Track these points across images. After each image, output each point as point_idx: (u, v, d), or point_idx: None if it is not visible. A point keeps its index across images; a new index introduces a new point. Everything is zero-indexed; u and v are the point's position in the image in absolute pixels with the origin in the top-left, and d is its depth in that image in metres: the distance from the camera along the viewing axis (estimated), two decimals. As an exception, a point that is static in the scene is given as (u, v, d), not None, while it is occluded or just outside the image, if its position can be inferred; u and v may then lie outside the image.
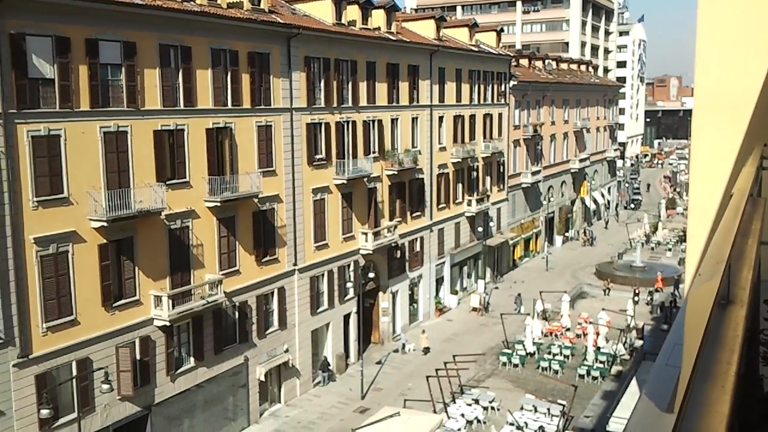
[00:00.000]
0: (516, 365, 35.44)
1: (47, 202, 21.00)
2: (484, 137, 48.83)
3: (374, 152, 36.77)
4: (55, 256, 21.23)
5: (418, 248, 41.93)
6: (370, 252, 35.96)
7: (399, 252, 39.50)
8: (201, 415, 27.21)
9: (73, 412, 21.88)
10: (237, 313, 28.47)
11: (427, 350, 37.92)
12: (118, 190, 22.54)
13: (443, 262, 45.18)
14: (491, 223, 50.08)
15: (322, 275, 33.48)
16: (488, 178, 50.34)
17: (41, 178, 20.98)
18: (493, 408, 30.26)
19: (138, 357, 24.42)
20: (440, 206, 44.21)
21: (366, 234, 35.79)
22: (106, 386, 20.03)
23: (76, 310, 21.99)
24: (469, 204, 47.19)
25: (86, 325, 22.30)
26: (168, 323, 24.73)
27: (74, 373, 21.78)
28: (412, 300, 42.24)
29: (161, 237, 24.79)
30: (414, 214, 41.26)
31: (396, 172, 38.20)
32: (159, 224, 24.69)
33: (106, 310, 23.03)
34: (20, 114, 20.45)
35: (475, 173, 48.11)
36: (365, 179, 36.00)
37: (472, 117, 47.26)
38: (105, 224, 21.99)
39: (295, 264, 31.08)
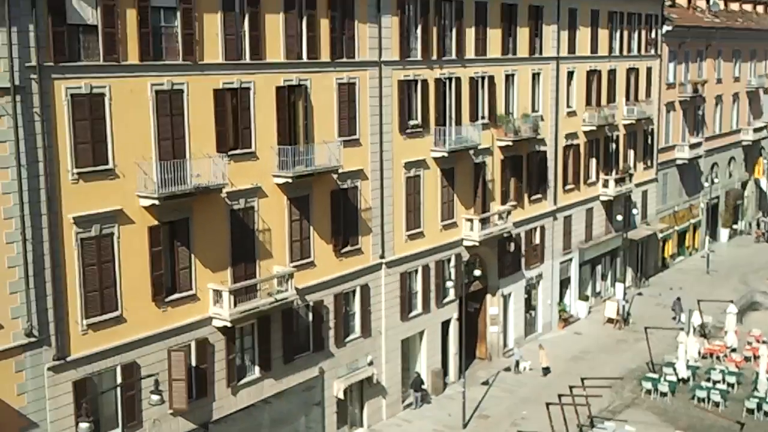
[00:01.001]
0: (664, 394, 34.61)
1: (89, 175, 21.43)
2: (627, 99, 47.09)
3: (483, 118, 36.15)
4: (98, 239, 21.72)
5: (537, 240, 41.21)
6: (476, 244, 35.57)
7: (513, 245, 38.95)
8: None
9: (116, 427, 22.52)
10: (311, 315, 28.82)
11: (547, 370, 37.53)
12: (171, 161, 22.80)
13: (570, 260, 44.21)
14: (634, 211, 48.32)
15: (416, 271, 33.41)
16: (631, 152, 48.60)
17: (82, 146, 21.42)
18: None
19: (194, 363, 24.86)
20: (567, 187, 43.11)
21: (471, 221, 35.44)
22: (156, 397, 20.39)
23: (121, 304, 22.48)
24: (606, 185, 45.83)
25: (133, 324, 22.82)
26: (229, 324, 25.04)
27: (119, 380, 22.38)
28: (529, 306, 41.67)
29: (222, 219, 25.01)
30: (533, 197, 40.39)
31: (511, 143, 37.40)
32: (219, 204, 24.92)
33: (156, 306, 23.54)
34: (57, 68, 20.81)
35: (614, 145, 46.58)
36: (471, 152, 35.42)
37: (612, 73, 45.60)
38: (156, 202, 22.35)
39: (382, 257, 31.14)
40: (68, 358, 21.39)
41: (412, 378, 33.82)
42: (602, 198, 45.89)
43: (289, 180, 26.36)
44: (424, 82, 32.70)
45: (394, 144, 31.51)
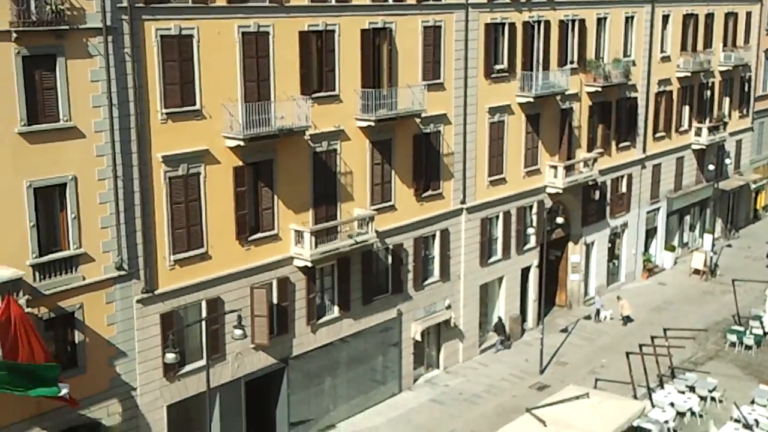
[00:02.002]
0: (749, 347, 33.43)
1: (177, 115, 21.58)
2: (725, 45, 44.53)
3: (572, 62, 34.84)
4: (186, 178, 21.92)
5: (624, 189, 39.93)
6: (560, 191, 34.67)
7: (598, 193, 37.79)
8: (345, 375, 28.03)
9: (200, 359, 22.94)
10: (390, 258, 28.76)
11: (628, 320, 36.59)
12: (256, 103, 22.73)
13: (657, 209, 42.71)
14: (727, 161, 46.09)
15: (497, 217, 32.96)
16: (726, 100, 46.17)
17: (171, 86, 21.57)
18: (713, 399, 28.79)
19: (275, 301, 25.13)
20: (658, 135, 41.34)
21: (556, 168, 34.48)
22: (238, 332, 20.47)
23: (207, 242, 22.75)
24: (698, 134, 43.80)
25: (218, 261, 23.09)
26: (310, 264, 25.12)
27: (204, 314, 22.74)
28: (612, 255, 40.59)
29: (304, 161, 25.00)
30: (621, 145, 38.87)
31: (600, 89, 35.87)
32: (302, 146, 24.86)
33: (240, 245, 23.75)
34: (148, 9, 20.98)
35: (708, 92, 44.33)
36: (558, 97, 34.22)
37: (709, 17, 42.93)
38: (242, 143, 22.39)
39: (463, 202, 30.83)
40: (156, 292, 21.79)
41: (493, 322, 33.67)
42: (694, 147, 44.06)
43: (372, 123, 26.04)
44: (512, 25, 31.54)
45: (479, 89, 30.68)
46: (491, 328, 33.67)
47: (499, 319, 33.55)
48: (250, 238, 23.74)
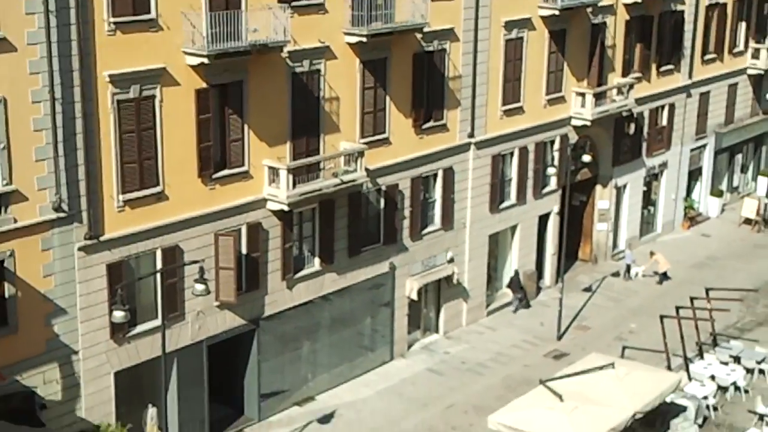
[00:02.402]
0: None
1: (128, 25, 21.11)
2: None
3: None
4: (138, 102, 21.68)
5: (664, 122, 40.07)
6: (588, 123, 34.79)
7: (633, 126, 37.91)
8: (326, 339, 28.37)
9: (155, 318, 23.10)
10: (383, 202, 28.83)
11: (664, 277, 37.16)
12: (224, 12, 22.27)
13: (703, 146, 43.06)
14: None
15: (511, 154, 33.11)
16: None
17: (120, -10, 21.46)
18: (762, 372, 29.28)
19: (244, 251, 25.23)
20: (707, 58, 41.38)
21: (583, 96, 34.54)
22: (200, 287, 20.25)
23: (163, 179, 22.64)
24: (756, 56, 43.83)
25: (177, 202, 23.02)
26: (286, 208, 25.19)
27: (159, 265, 22.74)
28: (648, 201, 41.08)
29: (281, 84, 24.73)
30: (662, 69, 38.90)
31: (640, 1, 35.75)
32: (279, 65, 24.54)
33: (203, 183, 23.64)
34: None
35: None
36: (589, 10, 34.08)
37: None
38: (205, 61, 22.07)
39: (471, 135, 30.86)
40: (102, 238, 21.70)
41: (509, 277, 34.08)
42: (750, 71, 44.08)
43: (364, 39, 25.72)
44: None
45: (493, -2, 30.52)
46: (506, 285, 34.09)
47: (516, 273, 33.91)
48: (215, 176, 23.74)
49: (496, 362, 30.60)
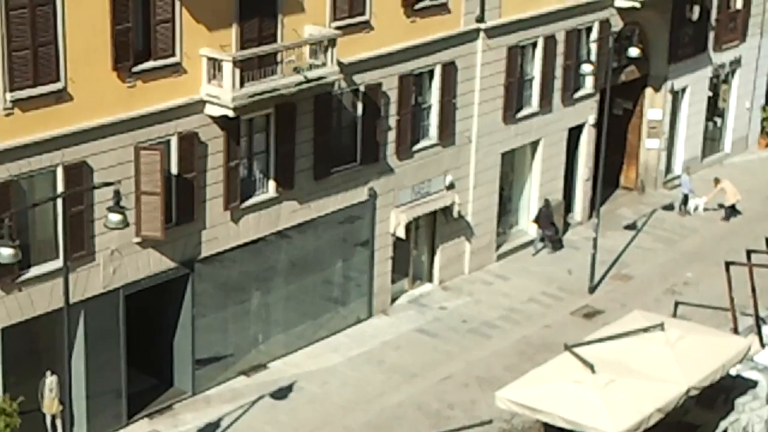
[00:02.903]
0: None
1: None
2: None
3: None
4: (30, -34, 21.51)
5: (738, 4, 39.69)
6: (637, 5, 34.50)
7: (698, 9, 37.36)
8: (283, 289, 28.22)
9: (55, 257, 22.90)
10: (361, 108, 28.55)
11: (732, 212, 37.19)
12: None
13: None
14: None
15: (533, 46, 32.94)
16: None
17: None
18: None
19: (175, 171, 24.86)
20: None
21: None
22: (116, 217, 20.01)
23: (65, 73, 22.23)
24: None
25: (84, 103, 22.60)
26: (231, 113, 24.76)
27: (60, 188, 22.50)
28: (714, 110, 41.00)
29: (224, -56, 24.67)
30: None
31: None
32: None
33: (120, 79, 23.22)
34: None
35: None
36: None
37: None
38: None
39: (480, 19, 30.70)
40: (-19, 150, 21.41)
41: (537, 209, 34.18)
42: None
43: None
44: None
45: None
46: (532, 219, 34.27)
47: (546, 204, 33.97)
48: (135, 69, 23.33)
49: (507, 321, 30.60)
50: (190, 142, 24.79)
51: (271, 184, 26.99)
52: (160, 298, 25.60)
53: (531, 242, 34.25)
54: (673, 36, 36.95)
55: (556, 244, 34.28)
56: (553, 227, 34.03)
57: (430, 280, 32.24)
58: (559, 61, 33.43)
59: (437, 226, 31.65)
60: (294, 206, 27.53)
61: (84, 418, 24.06)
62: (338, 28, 26.74)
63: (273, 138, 26.65)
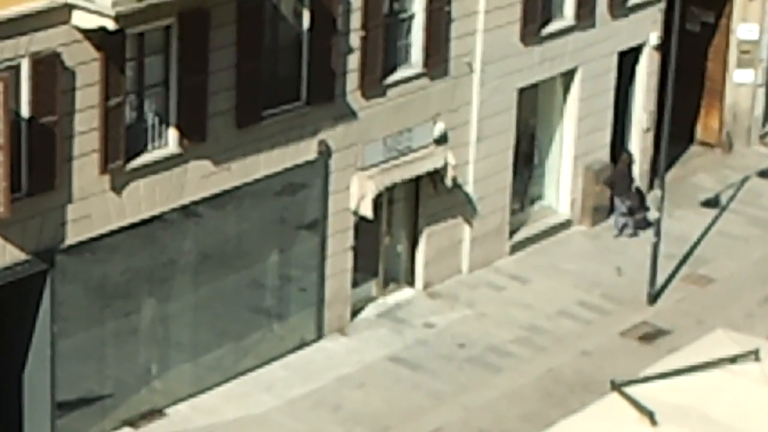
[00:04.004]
0: None
1: None
2: None
3: None
4: None
5: None
6: None
7: None
8: (189, 296, 28.58)
9: None
10: (307, 19, 28.98)
11: None
12: None
13: None
14: None
15: None
16: None
17: None
18: None
19: (26, 113, 25.07)
20: None
21: None
22: None
23: None
24: None
25: None
26: (112, 23, 24.73)
27: None
28: None
29: None
30: None
31: None
32: None
33: None
34: None
35: None
36: None
37: None
38: None
39: None
40: None
41: (611, 169, 34.84)
42: None
43: None
44: None
45: None
46: (603, 180, 35.03)
47: (626, 155, 35.02)
48: None
49: (526, 346, 31.08)
50: (49, 69, 24.97)
51: (172, 135, 27.29)
52: (2, 307, 25.77)
53: (564, 224, 35.06)
54: None
55: (641, 222, 35.04)
56: (638, 195, 34.95)
57: (411, 282, 32.99)
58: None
59: (422, 201, 32.43)
60: (206, 168, 27.91)
61: None
62: None
63: (175, 63, 26.91)
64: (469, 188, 32.84)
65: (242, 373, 29.57)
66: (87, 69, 25.65)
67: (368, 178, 30.59)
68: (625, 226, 34.53)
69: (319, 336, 30.97)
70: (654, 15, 35.60)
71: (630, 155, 34.79)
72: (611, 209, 35.13)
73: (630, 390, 22.89)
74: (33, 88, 25.02)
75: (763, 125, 39.66)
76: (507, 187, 33.79)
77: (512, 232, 34.25)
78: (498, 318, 32.08)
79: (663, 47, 34.93)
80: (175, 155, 27.48)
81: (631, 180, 34.57)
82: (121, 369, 27.72)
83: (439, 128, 31.65)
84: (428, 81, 31.47)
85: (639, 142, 36.70)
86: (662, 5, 35.40)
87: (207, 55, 27.36)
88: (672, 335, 31.12)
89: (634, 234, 34.84)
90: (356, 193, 30.53)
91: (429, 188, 32.10)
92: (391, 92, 30.90)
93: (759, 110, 39.24)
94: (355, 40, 29.84)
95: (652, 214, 34.31)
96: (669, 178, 34.34)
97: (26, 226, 25.36)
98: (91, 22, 24.94)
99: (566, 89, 34.69)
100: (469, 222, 33.08)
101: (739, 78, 38.52)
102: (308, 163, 29.92)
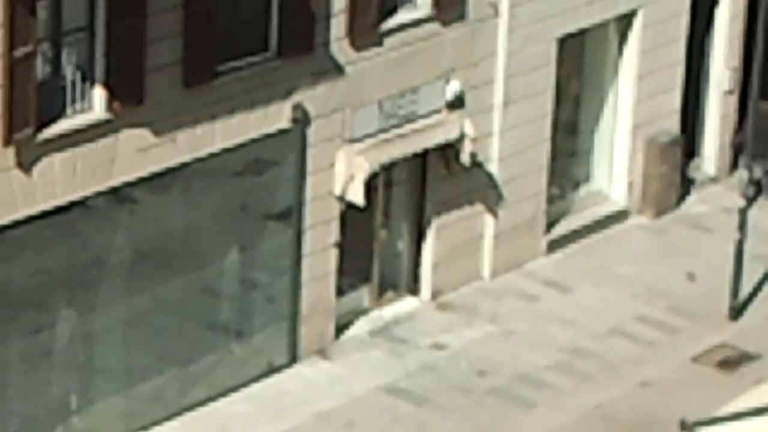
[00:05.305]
0: None
1: None
2: None
3: None
4: None
5: None
6: None
7: None
8: (120, 306, 28.46)
9: None
10: None
11: None
12: None
13: None
14: None
15: None
16: None
17: None
18: None
19: None
20: None
21: None
22: None
23: None
24: None
25: None
26: None
27: None
28: None
29: None
30: None
31: None
32: None
33: None
34: None
35: None
36: None
37: None
38: None
39: None
40: None
41: (662, 137, 35.15)
42: None
43: None
44: None
45: None
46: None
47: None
48: None
49: (567, 374, 31.28)
50: None
51: (99, 96, 27.29)
52: None
53: (619, 215, 35.16)
54: None
55: None
56: None
57: (415, 291, 33.18)
58: None
59: (430, 184, 32.61)
60: (144, 140, 27.92)
61: None
62: None
63: (103, 1, 26.94)
64: (493, 167, 33.03)
65: (190, 408, 29.64)
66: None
67: (359, 153, 30.68)
68: (757, 195, 33.91)
69: (293, 360, 31.07)
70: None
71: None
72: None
73: (707, 431, 23.03)
74: None
75: None
76: (543, 167, 33.97)
77: (550, 225, 34.51)
78: (530, 337, 32.18)
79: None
80: (102, 122, 27.42)
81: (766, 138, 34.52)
82: (29, 402, 27.71)
83: (453, 88, 31.78)
84: (439, 26, 31.61)
85: (719, 108, 36.79)
86: None
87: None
88: (760, 361, 31.29)
89: None
90: (343, 172, 30.62)
91: (440, 167, 32.26)
92: (389, 41, 31.06)
93: None
94: (338, -31, 29.88)
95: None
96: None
97: None
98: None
99: (623, 38, 34.94)
100: (492, 212, 33.26)
101: None
102: (279, 133, 30.00)
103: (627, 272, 33.78)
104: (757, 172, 33.85)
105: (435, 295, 32.79)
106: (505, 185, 33.02)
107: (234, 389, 30.11)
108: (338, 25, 30.04)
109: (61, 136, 26.91)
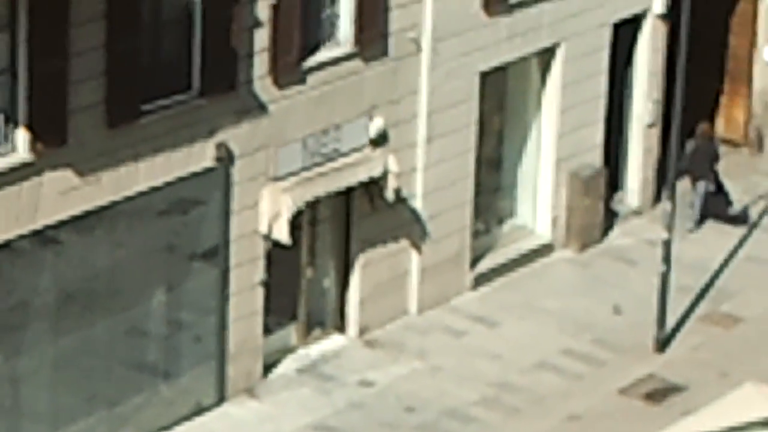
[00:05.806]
0: None
1: None
2: None
3: None
4: None
5: None
6: None
7: None
8: (45, 348, 28.33)
9: None
10: None
11: None
12: None
13: None
14: None
15: None
16: None
17: None
18: None
19: None
20: None
21: None
22: None
23: None
24: None
25: None
26: None
27: None
28: None
29: None
30: None
31: None
32: None
33: None
34: None
35: None
36: None
37: None
38: None
39: None
40: None
41: (585, 170, 35.31)
42: None
43: None
44: None
45: None
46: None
47: (707, 124, 35.82)
48: None
49: (494, 409, 31.26)
50: None
51: (21, 137, 27.23)
52: None
53: (543, 249, 35.25)
54: None
55: (741, 216, 35.90)
56: (717, 179, 35.75)
57: (341, 328, 33.13)
58: None
59: (354, 221, 32.58)
60: (67, 181, 27.82)
61: None
62: None
63: (24, 43, 26.92)
64: (418, 203, 33.11)
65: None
66: None
67: (283, 191, 30.69)
68: (701, 220, 35.29)
69: (221, 399, 31.00)
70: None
71: (711, 125, 35.43)
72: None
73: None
74: None
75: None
76: (468, 202, 34.01)
77: (475, 261, 34.50)
78: (458, 373, 32.20)
79: (671, 16, 35.20)
80: (25, 164, 27.36)
81: (715, 157, 35.32)
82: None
83: (376, 125, 31.86)
84: (361, 63, 31.69)
85: (641, 141, 37.04)
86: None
87: (67, 31, 27.31)
88: (687, 392, 31.46)
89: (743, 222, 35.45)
90: (268, 211, 30.63)
91: (364, 204, 32.27)
92: (312, 79, 31.09)
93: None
94: (263, 10, 30.01)
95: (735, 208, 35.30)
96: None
97: None
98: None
99: (544, 73, 34.98)
100: (417, 247, 33.35)
101: (769, 55, 38.56)
102: (204, 172, 30.03)
103: (553, 306, 33.95)
104: (700, 192, 34.74)
105: (362, 331, 32.77)
106: (429, 221, 33.02)
107: (162, 430, 30.01)
108: (261, 64, 30.07)
109: (-16, 178, 26.65)
